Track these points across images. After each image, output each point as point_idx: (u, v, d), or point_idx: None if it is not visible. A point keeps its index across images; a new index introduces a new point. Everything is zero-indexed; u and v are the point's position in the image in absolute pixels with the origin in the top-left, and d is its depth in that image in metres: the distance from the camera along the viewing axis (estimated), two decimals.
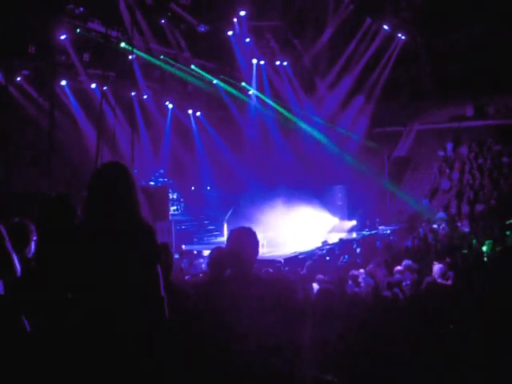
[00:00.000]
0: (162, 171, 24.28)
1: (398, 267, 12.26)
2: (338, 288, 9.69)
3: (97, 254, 4.04)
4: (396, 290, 10.67)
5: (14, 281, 4.06)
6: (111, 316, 3.96)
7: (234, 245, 4.80)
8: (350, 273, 12.38)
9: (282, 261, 16.11)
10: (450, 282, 10.68)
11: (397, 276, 11.69)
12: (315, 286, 10.21)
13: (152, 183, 23.04)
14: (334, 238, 21.44)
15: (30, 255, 5.02)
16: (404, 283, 11.00)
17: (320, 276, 11.81)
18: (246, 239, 4.81)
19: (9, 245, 4.01)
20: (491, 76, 25.23)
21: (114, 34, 20.81)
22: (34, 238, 5.03)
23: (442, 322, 6.95)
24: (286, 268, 15.26)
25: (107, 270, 4.01)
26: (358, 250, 17.89)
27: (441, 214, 23.39)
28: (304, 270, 13.25)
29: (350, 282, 11.07)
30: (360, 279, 11.47)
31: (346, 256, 16.79)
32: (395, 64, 27.71)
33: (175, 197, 24.05)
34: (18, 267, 4.04)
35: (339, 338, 6.17)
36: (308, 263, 14.02)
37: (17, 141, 19.50)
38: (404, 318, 7.55)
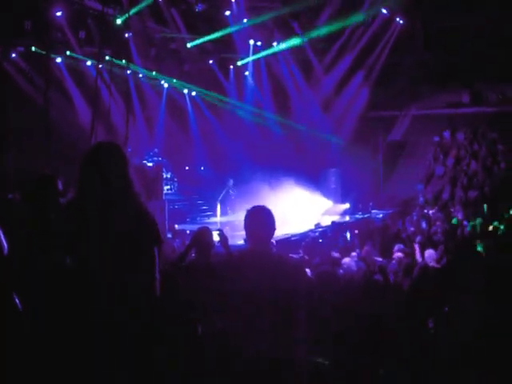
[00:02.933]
0: (156, 150, 24.24)
1: (399, 253, 12.30)
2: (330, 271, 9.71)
3: (92, 233, 4.05)
4: (387, 273, 10.71)
5: (3, 259, 4.04)
6: (105, 291, 3.98)
7: (252, 223, 4.88)
8: (332, 255, 12.41)
9: (274, 242, 16.11)
10: (440, 267, 10.72)
11: (388, 260, 11.74)
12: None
13: (147, 163, 22.98)
14: (326, 221, 21.48)
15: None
16: (395, 267, 11.03)
17: (305, 257, 11.89)
18: (263, 217, 4.89)
19: None
20: (488, 63, 25.19)
21: (110, 11, 20.70)
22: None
23: (433, 306, 6.98)
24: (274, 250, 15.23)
25: (102, 248, 4.03)
26: (349, 235, 17.91)
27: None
28: (301, 252, 13.28)
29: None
30: (351, 262, 11.50)
31: (340, 240, 16.86)
32: (393, 49, 27.61)
33: (169, 176, 24.03)
34: (5, 245, 4.02)
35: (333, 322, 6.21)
36: (303, 244, 14.08)
37: (12, 118, 19.41)
38: (396, 302, 7.59)
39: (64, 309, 4.05)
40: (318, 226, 20.23)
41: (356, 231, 16.83)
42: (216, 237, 6.34)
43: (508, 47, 24.58)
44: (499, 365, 5.77)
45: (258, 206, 5.01)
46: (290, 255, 11.77)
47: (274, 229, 4.94)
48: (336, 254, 12.38)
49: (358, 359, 6.23)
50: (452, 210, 21.25)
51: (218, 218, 22.34)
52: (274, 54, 27.90)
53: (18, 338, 3.85)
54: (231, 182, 25.08)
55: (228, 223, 20.02)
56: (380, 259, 12.47)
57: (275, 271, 4.68)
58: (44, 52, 20.09)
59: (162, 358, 4.73)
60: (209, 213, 24.33)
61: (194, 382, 5.20)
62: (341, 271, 10.14)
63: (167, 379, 4.98)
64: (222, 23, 24.82)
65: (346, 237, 17.48)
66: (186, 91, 26.94)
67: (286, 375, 4.59)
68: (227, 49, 26.67)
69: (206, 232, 6.58)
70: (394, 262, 11.41)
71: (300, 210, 22.45)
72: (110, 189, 4.17)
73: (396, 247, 12.57)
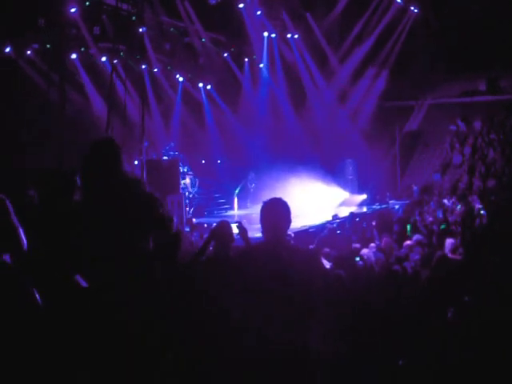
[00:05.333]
0: (172, 144, 24.24)
1: (408, 242, 12.27)
2: (349, 262, 9.73)
3: (103, 224, 4.11)
4: (405, 264, 10.69)
5: (22, 255, 4.07)
6: (121, 287, 4.02)
7: (268, 215, 4.90)
8: (353, 246, 12.43)
9: (292, 234, 16.12)
10: (459, 257, 10.69)
11: (406, 250, 11.72)
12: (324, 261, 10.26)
13: (164, 157, 23.03)
14: (344, 212, 21.45)
15: None
16: (414, 258, 11.01)
17: (326, 249, 11.86)
18: (279, 209, 4.92)
19: (14, 219, 4.02)
20: (504, 51, 25.01)
21: (124, 6, 20.75)
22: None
23: (452, 296, 6.96)
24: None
25: (114, 239, 4.08)
26: (367, 225, 17.89)
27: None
28: (315, 243, 13.29)
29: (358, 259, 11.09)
30: (370, 253, 11.49)
31: (364, 225, 16.88)
32: (407, 38, 27.52)
33: (186, 170, 24.05)
34: (25, 241, 4.05)
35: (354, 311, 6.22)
36: (319, 236, 14.08)
37: (27, 115, 19.48)
38: (414, 292, 7.58)
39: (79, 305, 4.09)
40: (335, 217, 20.20)
41: (373, 223, 16.79)
42: (235, 229, 6.36)
43: None
44: None
45: (274, 199, 5.04)
46: (309, 247, 11.79)
47: (289, 221, 4.96)
48: (357, 245, 12.38)
49: (376, 350, 6.23)
50: (470, 199, 21.15)
51: (236, 211, 22.37)
52: (289, 46, 27.91)
53: (38, 333, 3.88)
54: (252, 174, 25.10)
55: (245, 216, 20.05)
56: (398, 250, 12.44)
57: (290, 262, 4.71)
58: (58, 48, 20.17)
59: (177, 348, 4.76)
60: (226, 206, 24.35)
61: (211, 370, 5.23)
62: (361, 262, 10.14)
63: (185, 367, 5.02)
64: (236, 16, 24.85)
65: (364, 228, 17.46)
66: (201, 85, 26.91)
67: (301, 365, 4.61)
68: (241, 42, 26.68)
69: (225, 225, 6.59)
70: (410, 251, 11.41)
71: (317, 201, 22.45)
72: (107, 181, 4.26)
73: (414, 237, 12.55)
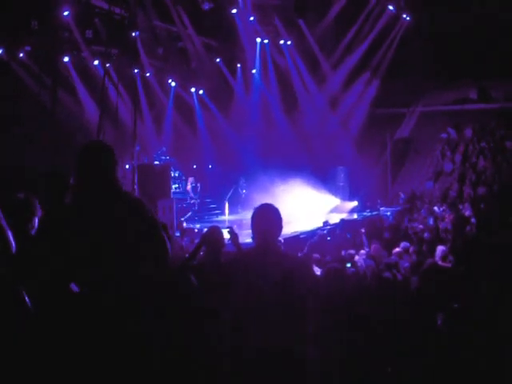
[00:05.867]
0: (164, 149, 24.25)
1: (397, 249, 12.31)
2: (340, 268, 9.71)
3: (93, 227, 4.10)
4: (394, 271, 10.71)
5: (11, 257, 4.06)
6: (113, 285, 4.02)
7: (259, 221, 4.90)
8: (348, 252, 12.45)
9: (282, 240, 16.12)
10: (449, 265, 10.70)
11: (394, 258, 11.73)
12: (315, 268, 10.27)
13: (156, 162, 23.03)
14: (335, 219, 21.47)
15: (32, 231, 5.03)
16: (404, 265, 11.03)
17: (316, 255, 11.88)
18: (270, 215, 4.92)
19: (3, 221, 4.01)
20: (496, 60, 25.11)
21: (117, 10, 20.74)
22: (38, 214, 5.06)
23: (441, 303, 6.97)
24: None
25: (105, 241, 4.08)
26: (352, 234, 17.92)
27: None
28: (305, 249, 13.29)
29: (349, 265, 11.10)
30: (360, 260, 11.52)
31: (349, 235, 16.87)
32: (399, 45, 27.62)
33: (177, 175, 24.04)
34: (13, 243, 4.04)
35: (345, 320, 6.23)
36: (309, 242, 14.08)
37: (18, 117, 19.43)
38: (404, 299, 7.59)
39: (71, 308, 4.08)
40: (326, 223, 20.23)
41: (363, 230, 16.80)
42: (226, 234, 6.37)
43: None
44: (508, 362, 5.77)
45: (265, 204, 5.05)
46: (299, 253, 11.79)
47: (280, 227, 4.97)
48: (352, 251, 12.41)
49: (366, 356, 6.23)
50: (460, 207, 21.21)
51: (227, 217, 22.35)
52: (281, 52, 27.99)
53: (27, 335, 3.87)
54: (243, 180, 25.12)
55: (236, 221, 20.04)
56: (388, 257, 12.46)
57: (280, 268, 4.71)
58: (51, 51, 20.15)
59: (171, 351, 4.76)
60: (217, 211, 24.33)
61: (204, 376, 5.23)
62: (352, 269, 10.15)
63: (177, 373, 5.02)
64: (229, 21, 24.89)
65: (354, 235, 17.48)
66: (193, 90, 26.90)
67: (293, 370, 4.61)
68: (234, 47, 26.72)
69: (216, 231, 6.60)
70: (398, 259, 11.42)
71: (308, 207, 22.46)
72: (97, 183, 4.26)
73: (402, 245, 12.59)
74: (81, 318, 4.03)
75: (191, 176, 24.19)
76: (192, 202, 23.29)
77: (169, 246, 4.36)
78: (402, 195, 25.94)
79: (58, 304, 4.11)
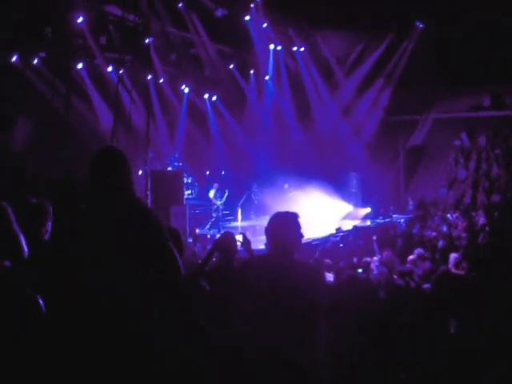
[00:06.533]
0: (176, 155, 24.30)
1: (411, 256, 12.25)
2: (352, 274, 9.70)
3: (103, 236, 4.11)
4: (408, 278, 10.67)
5: (23, 262, 4.07)
6: (122, 291, 4.03)
7: (274, 228, 4.87)
8: (363, 260, 12.41)
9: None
10: (463, 272, 10.66)
11: (409, 265, 11.69)
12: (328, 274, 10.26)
13: (169, 168, 23.08)
14: (347, 225, 21.43)
15: (46, 236, 5.04)
16: (418, 272, 10.99)
17: (328, 261, 11.87)
18: (285, 224, 4.88)
19: (15, 226, 4.02)
20: (510, 66, 25.00)
21: (131, 17, 20.83)
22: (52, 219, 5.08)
23: (454, 310, 6.95)
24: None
25: (114, 248, 4.09)
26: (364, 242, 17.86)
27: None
28: (317, 255, 13.27)
29: (361, 270, 11.07)
30: (373, 267, 11.48)
31: (361, 242, 16.81)
32: (413, 53, 27.60)
33: (190, 181, 24.07)
34: (25, 248, 4.05)
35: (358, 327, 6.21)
36: (321, 248, 14.06)
37: (32, 123, 19.50)
38: (417, 306, 7.57)
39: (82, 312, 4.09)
40: (339, 230, 20.20)
41: (374, 237, 16.72)
42: (239, 239, 6.36)
43: None
44: None
45: (282, 213, 4.99)
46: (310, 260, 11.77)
47: (298, 235, 4.92)
48: (368, 259, 12.37)
49: (380, 363, 6.22)
50: (474, 214, 21.12)
51: (239, 223, 22.37)
52: (294, 59, 28.05)
53: (41, 340, 3.87)
54: (255, 186, 25.13)
55: (249, 228, 20.05)
56: (400, 265, 12.41)
57: (291, 274, 4.69)
58: (65, 58, 20.23)
59: (181, 357, 4.76)
60: (230, 217, 24.34)
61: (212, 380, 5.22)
62: (364, 275, 10.13)
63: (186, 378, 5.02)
64: (242, 28, 24.96)
65: (367, 242, 17.43)
66: (206, 96, 26.94)
67: (304, 376, 4.60)
68: (247, 53, 26.78)
69: (229, 237, 6.59)
70: (413, 266, 11.37)
71: (321, 214, 22.44)
72: (110, 190, 4.26)
73: (416, 251, 12.53)
74: (84, 321, 4.05)
75: (215, 182, 24.17)
76: (215, 207, 23.30)
77: (177, 255, 4.35)
78: (411, 202, 25.90)
79: (63, 307, 4.13)
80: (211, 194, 23.24)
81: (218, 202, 23.23)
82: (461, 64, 26.44)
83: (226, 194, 23.75)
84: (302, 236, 4.97)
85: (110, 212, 4.23)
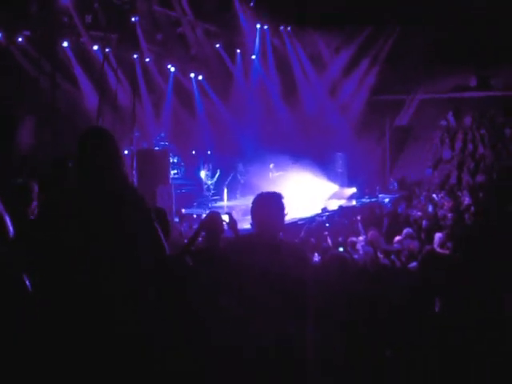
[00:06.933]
0: (162, 135, 24.22)
1: (398, 237, 12.31)
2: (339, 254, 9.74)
3: (92, 214, 4.09)
4: (393, 257, 10.75)
5: (8, 242, 4.06)
6: (111, 272, 4.02)
7: (259, 208, 4.89)
8: (349, 239, 12.47)
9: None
10: (447, 252, 10.73)
11: (396, 245, 11.75)
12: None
13: (154, 147, 23.02)
14: (333, 205, 21.49)
15: (32, 216, 5.04)
16: (404, 253, 11.06)
17: (312, 240, 11.94)
18: (270, 203, 4.90)
19: (1, 206, 4.01)
20: (496, 47, 25.03)
21: None
22: (38, 199, 5.07)
23: (439, 290, 6.99)
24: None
25: (103, 228, 4.07)
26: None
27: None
28: (302, 234, 13.32)
29: (341, 249, 11.14)
30: (359, 247, 11.54)
31: (346, 222, 16.87)
32: (399, 32, 27.59)
33: (176, 160, 24.01)
34: (11, 228, 4.04)
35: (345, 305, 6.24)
36: (306, 227, 14.10)
37: (17, 102, 19.37)
38: (402, 285, 7.62)
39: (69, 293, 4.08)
40: (324, 210, 20.25)
41: (358, 217, 16.76)
42: (225, 219, 6.38)
43: None
44: (501, 354, 5.79)
45: (266, 193, 5.01)
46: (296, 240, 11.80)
47: (281, 215, 4.95)
48: (353, 238, 12.43)
49: (366, 341, 6.26)
50: (459, 194, 21.21)
51: (225, 203, 22.36)
52: (281, 38, 27.97)
53: (27, 322, 3.87)
54: (241, 166, 25.11)
55: (235, 207, 20.07)
56: (386, 244, 12.47)
57: (277, 254, 4.71)
58: (50, 36, 20.06)
59: (168, 342, 4.77)
60: (216, 197, 24.35)
61: (199, 365, 5.24)
62: (356, 256, 10.19)
63: (174, 364, 5.02)
64: (228, 6, 24.83)
65: (352, 221, 17.49)
66: (192, 75, 26.82)
67: (292, 357, 4.62)
68: (233, 32, 26.64)
69: (215, 217, 6.61)
70: (400, 246, 11.44)
71: (307, 194, 22.47)
72: (98, 170, 4.24)
73: (405, 231, 12.58)
74: (77, 307, 4.03)
75: (208, 163, 24.16)
76: (206, 187, 23.33)
77: (162, 236, 4.34)
78: (394, 182, 26.01)
79: (54, 291, 4.11)
80: (202, 174, 23.23)
81: (209, 182, 23.25)
82: (447, 44, 26.43)
83: (218, 173, 23.77)
84: (284, 216, 4.98)
85: (100, 191, 4.21)
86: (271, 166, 24.66)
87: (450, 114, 28.30)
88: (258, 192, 5.06)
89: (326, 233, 14.50)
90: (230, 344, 4.72)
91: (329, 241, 13.45)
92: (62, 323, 4.02)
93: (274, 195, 4.97)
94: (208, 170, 23.43)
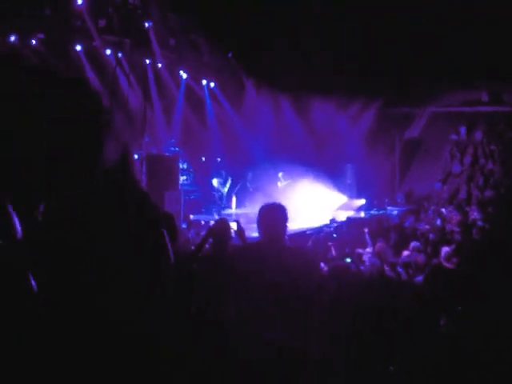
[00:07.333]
0: (173, 141, 24.27)
1: (406, 251, 12.27)
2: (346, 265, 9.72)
3: (99, 214, 4.08)
4: (399, 270, 10.71)
5: (17, 242, 4.04)
6: (118, 273, 4.00)
7: (265, 220, 4.93)
8: (356, 251, 12.45)
9: (286, 237, 16.05)
10: (452, 266, 10.69)
11: (403, 258, 11.72)
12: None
13: (164, 153, 23.06)
14: (341, 216, 21.46)
15: (40, 216, 5.02)
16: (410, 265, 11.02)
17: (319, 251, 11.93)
18: (277, 214, 4.95)
19: (9, 206, 4.01)
20: (509, 62, 24.98)
21: (130, 0, 20.75)
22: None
23: (445, 305, 6.97)
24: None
25: (111, 229, 4.06)
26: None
27: None
28: (309, 244, 13.31)
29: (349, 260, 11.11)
30: (365, 258, 11.51)
31: (354, 233, 16.84)
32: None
33: (185, 167, 24.04)
34: (19, 229, 4.03)
35: (348, 316, 6.22)
36: (314, 238, 14.08)
37: (28, 106, 19.39)
38: (408, 298, 7.59)
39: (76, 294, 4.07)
40: (333, 220, 20.23)
41: (366, 229, 16.75)
42: (233, 227, 6.39)
43: None
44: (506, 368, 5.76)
45: (273, 204, 5.07)
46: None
47: (285, 226, 4.99)
48: (360, 250, 12.42)
49: (369, 354, 6.23)
50: (468, 209, 21.14)
51: (234, 210, 22.38)
52: None
53: (33, 322, 3.86)
54: (250, 175, 25.13)
55: (243, 215, 20.06)
56: (393, 257, 12.44)
57: (287, 262, 4.73)
58: (63, 39, 20.14)
59: (171, 346, 4.75)
60: (223, 204, 24.36)
61: (204, 368, 5.23)
62: (353, 265, 10.15)
63: (179, 366, 5.01)
64: None
65: (359, 233, 17.46)
66: (204, 82, 26.86)
67: (296, 365, 4.61)
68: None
69: (223, 223, 6.61)
70: (407, 259, 11.40)
71: (315, 204, 22.47)
72: (109, 175, 4.21)
73: (412, 244, 12.55)
74: (83, 309, 4.02)
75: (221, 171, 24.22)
76: (219, 195, 23.38)
77: (168, 243, 4.32)
78: (401, 195, 25.97)
79: (60, 293, 4.10)
80: (215, 181, 23.27)
81: (222, 190, 23.32)
82: (460, 58, 26.39)
83: (230, 181, 23.78)
84: (286, 227, 5.04)
85: (111, 194, 4.20)
86: (280, 174, 24.67)
87: (463, 128, 28.21)
88: (267, 200, 5.11)
89: (330, 243, 14.47)
90: (235, 348, 4.72)
91: (333, 251, 13.42)
92: (67, 324, 4.01)
93: (279, 206, 5.03)
94: (221, 178, 23.46)
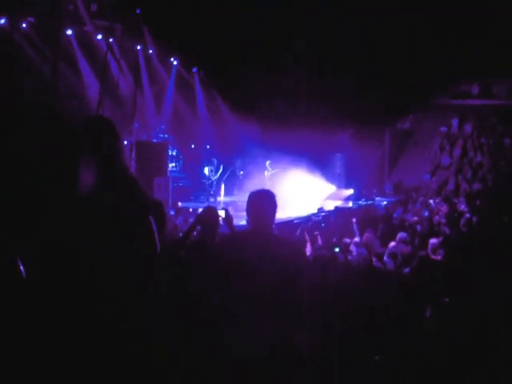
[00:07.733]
0: (162, 127, 24.21)
1: (393, 243, 12.30)
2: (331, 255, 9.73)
3: (91, 208, 4.07)
4: (386, 260, 10.74)
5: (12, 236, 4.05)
6: (105, 261, 4.00)
7: (254, 207, 4.92)
8: (343, 241, 12.47)
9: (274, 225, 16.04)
10: (439, 258, 10.72)
11: (390, 249, 11.74)
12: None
13: (153, 139, 23.02)
14: (329, 206, 21.50)
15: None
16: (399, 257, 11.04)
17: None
18: (266, 201, 4.95)
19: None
20: (499, 57, 25.03)
21: None
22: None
23: (431, 296, 7.01)
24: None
25: (102, 223, 4.05)
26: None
27: None
28: (297, 233, 13.32)
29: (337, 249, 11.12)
30: (352, 248, 11.53)
31: (341, 223, 16.87)
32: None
33: (174, 154, 24.00)
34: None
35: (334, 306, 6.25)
36: (302, 227, 14.10)
37: (18, 89, 19.31)
38: (394, 289, 7.62)
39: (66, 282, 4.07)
40: (320, 210, 20.27)
41: (354, 219, 16.77)
42: (221, 214, 6.39)
43: None
44: (492, 359, 5.80)
45: (262, 190, 5.06)
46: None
47: (274, 213, 4.99)
48: (347, 240, 12.44)
49: (355, 345, 6.26)
50: (455, 201, 21.20)
51: (222, 198, 22.38)
52: None
53: (27, 320, 3.86)
54: (239, 162, 25.12)
55: (231, 203, 20.08)
56: (380, 247, 12.47)
57: (275, 251, 4.73)
58: (54, 23, 20.00)
59: (160, 335, 4.76)
60: (213, 192, 24.37)
61: (190, 360, 5.23)
62: (340, 255, 10.17)
63: (166, 358, 5.02)
64: None
65: (347, 223, 17.49)
66: (194, 69, 26.77)
67: (284, 356, 4.62)
68: None
69: (212, 211, 6.61)
70: (394, 249, 11.42)
71: (304, 193, 22.49)
72: (100, 160, 4.20)
73: (399, 235, 12.58)
74: (76, 306, 4.01)
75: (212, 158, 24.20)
76: (209, 182, 23.35)
77: (156, 234, 4.31)
78: (389, 186, 26.05)
79: (54, 290, 4.09)
80: (206, 170, 23.24)
81: (213, 178, 23.28)
82: (450, 52, 26.42)
83: (221, 169, 23.75)
84: (275, 214, 5.04)
85: (102, 179, 4.17)
86: (267, 163, 24.66)
87: (455, 120, 28.25)
88: (256, 188, 5.10)
89: (317, 232, 14.49)
90: (223, 339, 4.72)
91: (319, 240, 13.44)
92: (61, 321, 4.01)
93: (268, 192, 5.02)
94: (212, 166, 23.43)
